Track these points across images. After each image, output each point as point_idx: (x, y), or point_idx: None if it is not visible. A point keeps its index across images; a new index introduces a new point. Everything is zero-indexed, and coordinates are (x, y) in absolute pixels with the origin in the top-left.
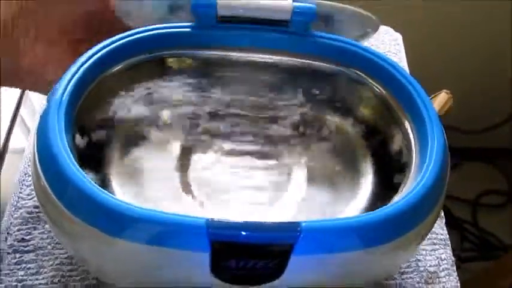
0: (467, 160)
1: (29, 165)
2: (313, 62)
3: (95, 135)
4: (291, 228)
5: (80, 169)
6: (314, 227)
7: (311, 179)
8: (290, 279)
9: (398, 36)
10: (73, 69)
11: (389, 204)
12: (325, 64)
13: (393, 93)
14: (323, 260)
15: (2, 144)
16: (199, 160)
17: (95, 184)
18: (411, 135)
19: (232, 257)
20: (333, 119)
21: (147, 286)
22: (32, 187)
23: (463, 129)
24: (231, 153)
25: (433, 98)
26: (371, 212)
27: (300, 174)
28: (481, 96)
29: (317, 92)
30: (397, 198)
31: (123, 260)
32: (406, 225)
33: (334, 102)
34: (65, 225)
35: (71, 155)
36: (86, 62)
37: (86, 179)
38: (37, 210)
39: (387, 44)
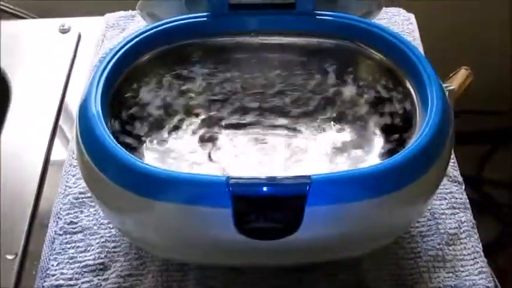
0: (507, 142)
1: (73, 157)
2: (321, 39)
3: (126, 116)
4: (302, 181)
5: (117, 143)
6: (323, 178)
7: (325, 146)
8: (307, 234)
9: (411, 16)
10: (107, 59)
11: (392, 157)
12: (331, 40)
13: (396, 60)
14: (336, 212)
15: (44, 156)
16: (223, 135)
17: (132, 155)
18: (414, 97)
19: (251, 211)
20: (344, 89)
21: (182, 251)
22: (77, 177)
23: (496, 110)
24: (248, 125)
25: (453, 75)
26: (374, 164)
27: (316, 141)
28: (506, 74)
29: (327, 66)
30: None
31: (159, 222)
32: (409, 176)
33: (343, 74)
34: (109, 195)
35: (109, 133)
36: (115, 54)
37: (124, 151)
38: (82, 196)
39: (400, 24)
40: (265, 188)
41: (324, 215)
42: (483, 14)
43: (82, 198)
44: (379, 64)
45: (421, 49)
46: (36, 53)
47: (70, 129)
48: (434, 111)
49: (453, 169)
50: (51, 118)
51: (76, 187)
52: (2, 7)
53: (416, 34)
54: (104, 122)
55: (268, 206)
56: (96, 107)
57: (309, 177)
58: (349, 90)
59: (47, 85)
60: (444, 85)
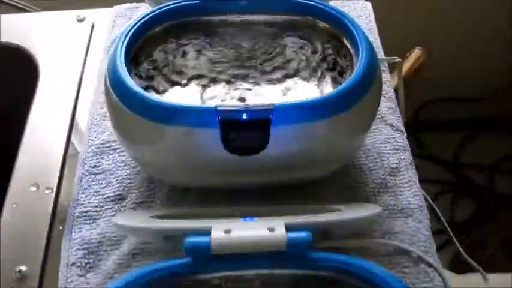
0: (483, 129)
1: (93, 118)
2: (286, 16)
3: (143, 70)
4: (268, 107)
5: (135, 85)
6: (282, 105)
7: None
8: (274, 151)
9: (368, 4)
10: (126, 30)
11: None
12: (293, 16)
13: (339, 28)
14: (294, 131)
15: (70, 118)
16: (217, 87)
17: (145, 94)
18: (351, 51)
19: (233, 129)
20: (301, 50)
21: (183, 171)
22: (98, 132)
23: (475, 98)
24: (237, 77)
25: (409, 54)
26: (320, 96)
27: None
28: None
29: (293, 34)
30: None
31: (166, 144)
32: (349, 101)
33: (304, 40)
34: (129, 124)
35: (130, 78)
36: (135, 24)
37: (140, 89)
38: (102, 146)
39: (358, 10)
40: (243, 114)
41: (285, 134)
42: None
43: (102, 148)
44: (327, 31)
45: (375, 30)
46: (58, 38)
47: (89, 97)
48: (364, 59)
49: (397, 121)
50: (73, 89)
51: (97, 140)
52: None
53: (372, 17)
54: (126, 70)
55: (244, 126)
56: (121, 61)
57: (272, 104)
58: (304, 51)
59: (69, 63)
60: (391, 57)
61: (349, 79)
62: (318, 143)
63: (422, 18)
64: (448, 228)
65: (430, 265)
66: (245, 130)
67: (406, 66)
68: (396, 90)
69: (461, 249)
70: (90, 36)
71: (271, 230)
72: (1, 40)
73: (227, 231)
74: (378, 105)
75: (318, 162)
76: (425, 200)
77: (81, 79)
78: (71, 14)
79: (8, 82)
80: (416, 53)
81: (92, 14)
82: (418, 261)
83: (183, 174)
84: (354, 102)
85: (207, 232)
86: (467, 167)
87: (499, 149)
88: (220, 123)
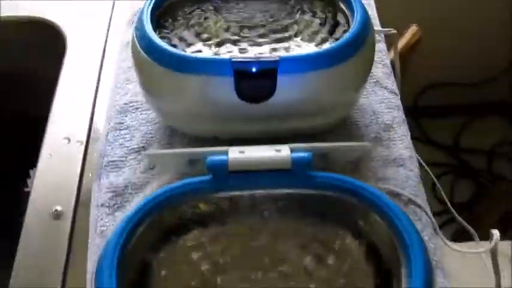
0: (480, 115)
1: (117, 82)
2: None
3: (165, 31)
4: (275, 58)
5: (160, 40)
6: (287, 57)
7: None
8: (280, 98)
9: None
10: None
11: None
12: None
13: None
14: (297, 80)
15: (96, 83)
16: (229, 46)
17: (166, 45)
18: (348, 14)
19: (245, 77)
20: (303, 16)
21: (199, 119)
22: (121, 94)
23: (475, 82)
24: (246, 38)
25: (406, 31)
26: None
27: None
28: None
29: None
30: None
31: (187, 92)
32: (346, 54)
33: (303, 7)
34: (152, 74)
35: (155, 33)
36: None
37: (163, 42)
38: (126, 105)
39: None
40: (253, 64)
41: (290, 82)
42: None
43: (125, 107)
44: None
45: (373, 6)
46: (82, 12)
47: (112, 64)
48: (358, 17)
49: (391, 85)
50: (98, 58)
51: (121, 101)
52: None
53: None
54: (151, 27)
55: (254, 75)
56: (147, 19)
57: (278, 56)
58: (306, 15)
59: (93, 35)
60: (387, 29)
61: (346, 35)
62: (319, 91)
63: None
64: (448, 202)
65: (419, 206)
66: (255, 78)
67: (403, 42)
68: (393, 62)
69: (456, 215)
70: (112, 10)
71: (278, 151)
72: (30, 15)
73: (241, 152)
74: (373, 59)
75: (319, 111)
76: (433, 184)
77: (104, 49)
78: None
79: (38, 53)
80: (412, 29)
81: None
82: (408, 203)
83: (200, 121)
84: (351, 54)
85: (225, 153)
86: (466, 151)
87: (496, 133)
88: (234, 72)
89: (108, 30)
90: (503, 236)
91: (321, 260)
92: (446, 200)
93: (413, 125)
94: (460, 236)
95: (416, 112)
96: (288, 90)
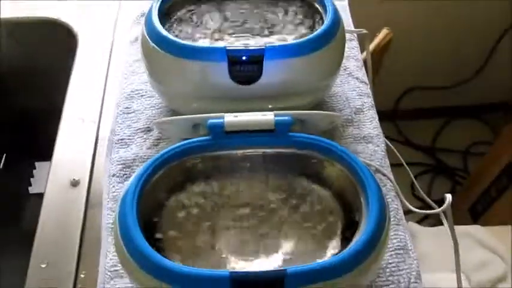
0: (455, 118)
1: (124, 73)
2: None
3: (170, 24)
4: (262, 47)
5: (166, 31)
6: (272, 46)
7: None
8: (267, 80)
9: None
10: None
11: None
12: None
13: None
14: (281, 65)
15: (105, 72)
16: (224, 38)
17: (171, 36)
18: (323, 15)
19: (237, 63)
20: (287, 18)
21: (198, 99)
22: (128, 83)
23: (446, 85)
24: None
25: (377, 34)
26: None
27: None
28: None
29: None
30: None
31: (188, 75)
32: (322, 43)
33: (288, 6)
34: (158, 60)
35: (162, 27)
36: None
37: (169, 34)
38: (132, 93)
39: None
40: (244, 52)
41: (274, 67)
42: None
43: (132, 94)
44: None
45: (348, 12)
46: (91, 12)
47: (119, 58)
48: (330, 15)
49: (362, 76)
50: (107, 53)
51: (128, 89)
52: None
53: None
54: (159, 22)
55: (245, 62)
56: (154, 15)
57: (265, 45)
58: (288, 15)
59: (102, 33)
60: (358, 30)
61: (320, 29)
62: (298, 74)
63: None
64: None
65: (384, 174)
66: (245, 63)
67: (375, 42)
68: (365, 60)
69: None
70: (119, 10)
71: (264, 115)
72: (43, 15)
73: (235, 116)
74: (343, 49)
75: (299, 92)
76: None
77: (112, 44)
78: None
79: (52, 49)
80: (383, 32)
81: None
82: (375, 172)
83: (198, 101)
84: (324, 44)
85: (222, 117)
86: (443, 151)
87: (471, 134)
88: (228, 58)
89: (115, 29)
90: (474, 223)
91: (296, 202)
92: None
93: (392, 128)
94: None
95: (396, 115)
96: (272, 73)
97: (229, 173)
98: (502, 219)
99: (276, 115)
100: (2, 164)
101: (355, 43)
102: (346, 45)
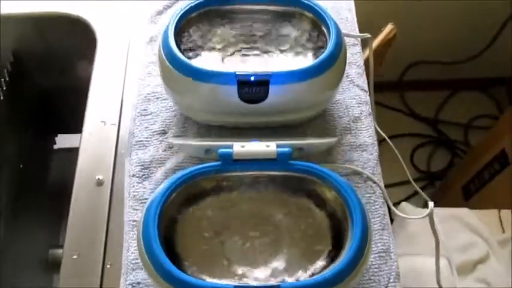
0: (460, 90)
1: (141, 75)
2: (280, 7)
3: (184, 41)
4: (268, 73)
5: (181, 55)
6: (277, 72)
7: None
8: (271, 100)
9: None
10: (174, 15)
11: (313, 62)
12: (285, 7)
13: (318, 18)
14: (285, 89)
15: (120, 97)
16: (235, 56)
17: (186, 60)
18: (327, 35)
19: (246, 86)
20: (291, 31)
21: (210, 113)
22: (144, 85)
23: (454, 60)
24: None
25: (383, 29)
26: (301, 67)
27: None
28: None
29: (288, 20)
30: None
31: (202, 95)
32: (322, 68)
33: (295, 25)
34: (174, 80)
35: (176, 48)
36: (179, 13)
37: (183, 56)
38: (149, 95)
39: None
40: (252, 77)
41: (279, 90)
42: None
43: (148, 97)
44: (311, 20)
45: (353, 11)
46: (109, 10)
47: (136, 58)
48: (333, 40)
49: (363, 83)
50: (124, 52)
51: (144, 91)
52: None
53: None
54: (176, 45)
55: (252, 84)
56: (170, 37)
57: (271, 72)
58: (295, 33)
59: (120, 31)
60: (362, 34)
61: (321, 56)
62: (299, 97)
63: None
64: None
65: (374, 182)
66: (253, 87)
67: (380, 38)
68: (366, 62)
69: (416, 186)
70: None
71: (267, 146)
72: (64, 11)
73: (243, 146)
74: (343, 72)
75: (300, 110)
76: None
77: (129, 44)
78: None
79: (70, 47)
80: (388, 27)
81: None
82: (366, 180)
83: (210, 115)
84: (324, 71)
85: (231, 146)
86: (445, 123)
87: (474, 108)
88: (238, 82)
89: (131, 27)
90: (466, 202)
91: (293, 218)
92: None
93: (397, 98)
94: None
95: (401, 86)
96: (277, 95)
97: (236, 191)
98: (492, 203)
99: (278, 146)
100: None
101: (358, 48)
102: (349, 50)
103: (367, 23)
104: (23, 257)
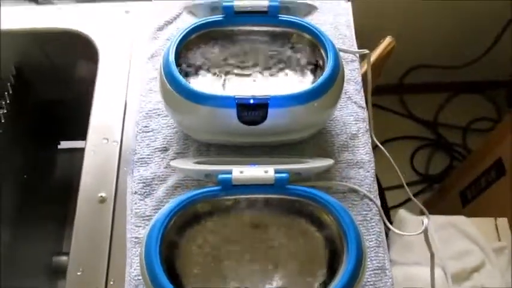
0: (459, 93)
1: (142, 91)
2: (279, 29)
3: (183, 64)
4: (267, 97)
5: (182, 78)
6: (276, 96)
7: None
8: (270, 122)
9: (348, 4)
10: (175, 37)
11: (311, 86)
12: (284, 29)
13: (314, 38)
14: (283, 112)
15: (122, 114)
16: (234, 78)
17: (187, 83)
18: (324, 57)
19: (244, 110)
20: (290, 53)
21: (210, 133)
22: (146, 101)
23: (454, 65)
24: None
25: (382, 41)
26: (299, 90)
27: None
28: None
29: (287, 42)
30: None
31: (199, 117)
32: (319, 93)
33: (289, 46)
34: (175, 102)
35: (177, 71)
36: (180, 35)
37: (184, 79)
38: (150, 112)
39: (340, 9)
40: (251, 100)
41: (277, 113)
42: None
43: (150, 113)
44: (310, 42)
45: (352, 27)
46: (110, 26)
47: (137, 75)
48: (330, 64)
49: (360, 100)
50: (125, 68)
51: (146, 108)
52: None
53: (350, 15)
54: (175, 66)
55: (251, 107)
56: (171, 59)
57: (269, 96)
58: (295, 54)
59: (121, 47)
60: (360, 50)
61: (319, 80)
62: (298, 119)
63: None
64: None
65: (371, 199)
66: (252, 110)
67: (378, 52)
68: (364, 75)
69: (411, 196)
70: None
71: (266, 171)
72: (66, 27)
73: (241, 172)
74: (341, 91)
75: (298, 131)
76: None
77: (130, 60)
78: (119, 6)
79: (71, 61)
80: (387, 40)
81: (134, 6)
82: (363, 197)
83: (210, 135)
84: (322, 94)
85: (230, 172)
86: (444, 126)
87: (472, 111)
88: (237, 106)
89: (132, 43)
90: (463, 209)
91: (291, 240)
92: (404, 184)
93: (397, 101)
94: (430, 202)
95: (401, 89)
96: (276, 117)
97: (234, 214)
98: (488, 211)
99: (276, 171)
100: None
101: (356, 64)
102: (348, 67)
103: (365, 25)
104: (28, 264)
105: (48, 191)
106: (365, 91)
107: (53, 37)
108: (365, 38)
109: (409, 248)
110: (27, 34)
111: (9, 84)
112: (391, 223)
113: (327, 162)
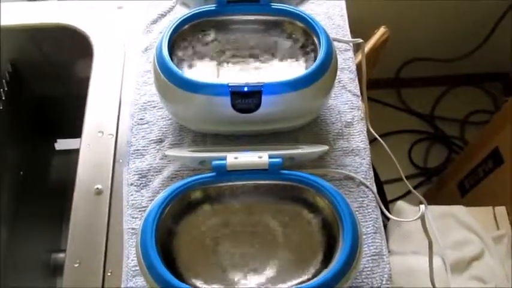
0: (456, 85)
1: (137, 84)
2: (272, 17)
3: (178, 53)
4: (261, 83)
5: (175, 67)
6: (269, 83)
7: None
8: (264, 110)
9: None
10: (168, 28)
11: (306, 71)
12: (278, 17)
13: (307, 26)
14: (276, 99)
15: (117, 107)
16: (229, 66)
17: (180, 72)
18: (317, 43)
19: (238, 97)
20: (284, 41)
21: (204, 122)
22: (141, 94)
23: (450, 58)
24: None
25: (376, 31)
26: (292, 77)
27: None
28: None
29: (280, 30)
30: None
31: (196, 106)
32: (313, 78)
33: (284, 34)
34: (169, 92)
35: (170, 60)
36: (172, 25)
37: (177, 68)
38: (145, 104)
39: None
40: (245, 88)
41: (271, 100)
42: None
43: (145, 106)
44: (302, 29)
45: (345, 17)
46: (105, 22)
47: (132, 68)
48: (323, 51)
49: (355, 88)
50: (120, 62)
51: (141, 100)
52: None
53: (344, 8)
54: (169, 57)
55: (245, 95)
56: (165, 51)
57: (262, 82)
58: (288, 42)
59: (115, 42)
60: (354, 39)
61: (312, 66)
62: (292, 106)
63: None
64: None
65: (367, 186)
66: (246, 97)
67: (372, 42)
68: (359, 65)
69: (410, 187)
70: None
71: (260, 157)
72: (60, 22)
73: (235, 158)
74: (335, 79)
75: (292, 118)
76: (409, 149)
77: (124, 54)
78: (112, 3)
79: (66, 56)
80: (381, 30)
81: (127, 2)
82: (359, 184)
83: (205, 124)
84: (315, 80)
85: (224, 158)
86: (442, 119)
87: (470, 103)
88: (231, 93)
89: (126, 36)
90: (461, 199)
91: (286, 226)
92: (403, 176)
93: (394, 94)
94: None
95: (398, 83)
96: (270, 104)
97: (229, 200)
98: (487, 200)
99: (270, 156)
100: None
101: (350, 53)
102: (341, 56)
103: (360, 20)
104: (26, 261)
105: (45, 188)
106: (360, 81)
107: (47, 33)
108: (358, 31)
109: (407, 237)
110: (22, 30)
111: (4, 80)
112: (388, 218)
113: (321, 148)
